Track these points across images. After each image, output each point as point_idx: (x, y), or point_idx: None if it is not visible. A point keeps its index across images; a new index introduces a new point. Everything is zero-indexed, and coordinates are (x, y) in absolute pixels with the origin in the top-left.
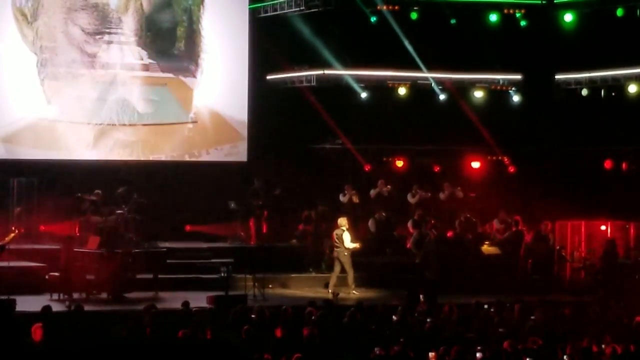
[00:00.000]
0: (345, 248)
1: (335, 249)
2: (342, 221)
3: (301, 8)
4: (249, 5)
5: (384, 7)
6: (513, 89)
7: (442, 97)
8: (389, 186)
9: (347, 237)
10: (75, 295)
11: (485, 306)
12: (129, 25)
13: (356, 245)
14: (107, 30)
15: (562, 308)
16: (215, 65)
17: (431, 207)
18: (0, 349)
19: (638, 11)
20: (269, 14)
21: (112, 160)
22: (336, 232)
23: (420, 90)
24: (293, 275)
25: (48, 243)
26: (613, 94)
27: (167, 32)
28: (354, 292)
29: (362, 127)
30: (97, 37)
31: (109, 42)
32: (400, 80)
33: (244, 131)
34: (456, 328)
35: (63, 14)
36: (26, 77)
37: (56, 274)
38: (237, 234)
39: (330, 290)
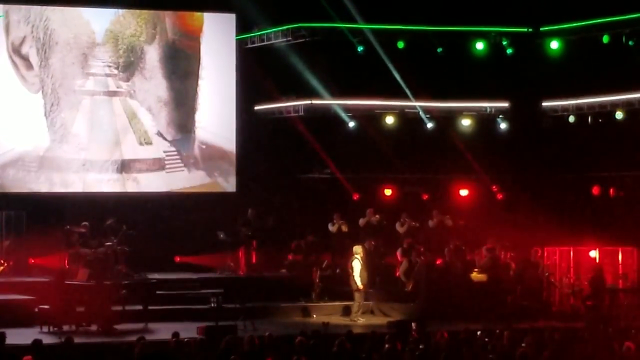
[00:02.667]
0: (353, 276)
1: (350, 277)
2: (357, 249)
3: (288, 39)
4: (236, 36)
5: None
6: (500, 116)
7: (429, 125)
8: (377, 215)
9: (357, 266)
10: (65, 328)
11: (479, 333)
12: (152, 55)
13: (360, 284)
14: (130, 64)
15: (551, 334)
16: (203, 96)
17: (420, 235)
18: None
19: (624, 38)
20: (256, 45)
21: (101, 192)
22: (350, 259)
23: (407, 119)
24: (283, 304)
25: (37, 276)
26: (600, 120)
27: (184, 74)
28: (359, 319)
29: (350, 156)
30: (120, 72)
31: (128, 82)
32: (388, 109)
33: (233, 161)
34: (446, 356)
35: (83, 49)
36: (17, 112)
37: (46, 306)
38: (226, 264)
39: (351, 318)
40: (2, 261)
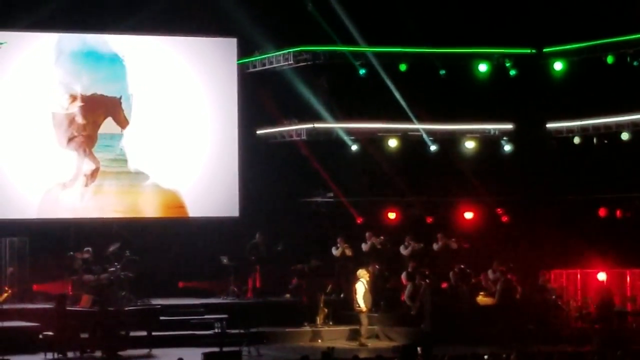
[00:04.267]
0: (356, 299)
1: (354, 299)
2: (361, 272)
3: (290, 62)
4: (238, 60)
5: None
6: (505, 138)
7: (433, 148)
8: (382, 237)
9: (360, 289)
10: (70, 354)
11: (486, 357)
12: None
13: (363, 306)
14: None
15: (560, 358)
16: (204, 121)
17: (425, 258)
18: None
19: (628, 58)
20: (257, 69)
21: (104, 218)
22: (355, 282)
23: (411, 142)
24: (287, 329)
25: (41, 302)
26: (605, 141)
27: None
28: (368, 343)
29: (354, 179)
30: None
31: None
32: (391, 132)
33: (236, 186)
34: None
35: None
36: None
37: (50, 333)
38: (230, 289)
39: (359, 342)
40: (6, 288)
